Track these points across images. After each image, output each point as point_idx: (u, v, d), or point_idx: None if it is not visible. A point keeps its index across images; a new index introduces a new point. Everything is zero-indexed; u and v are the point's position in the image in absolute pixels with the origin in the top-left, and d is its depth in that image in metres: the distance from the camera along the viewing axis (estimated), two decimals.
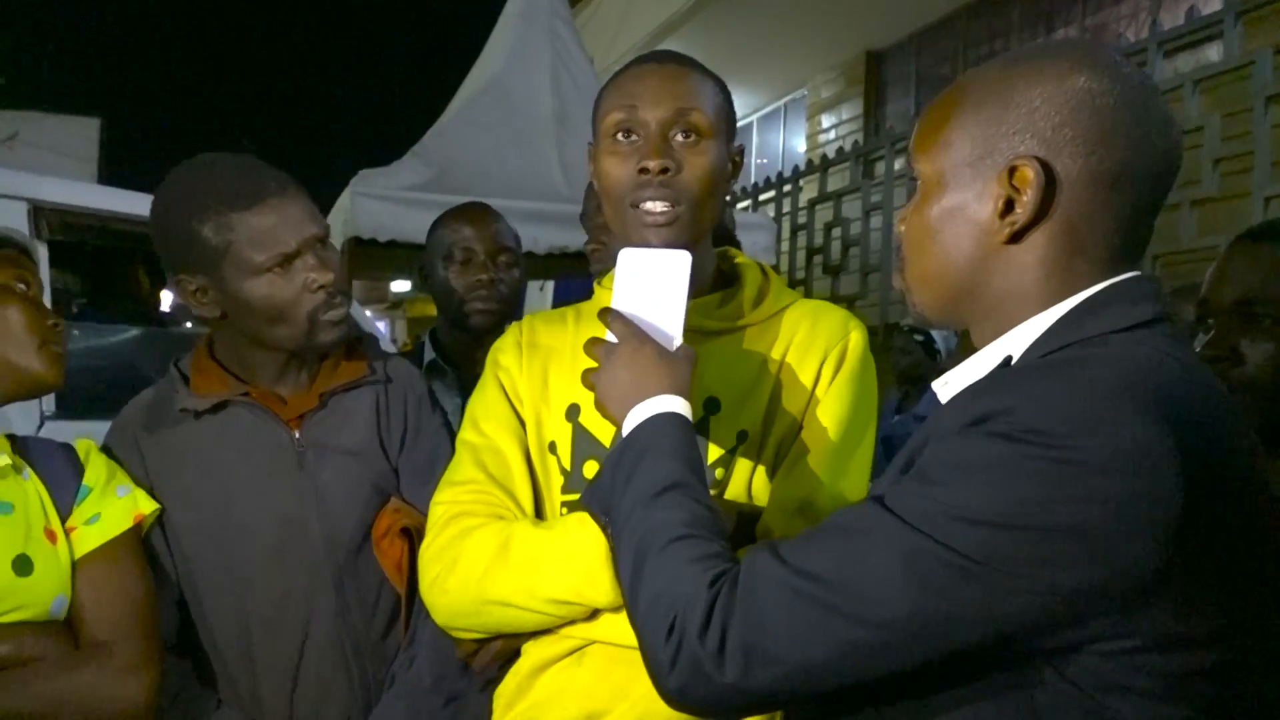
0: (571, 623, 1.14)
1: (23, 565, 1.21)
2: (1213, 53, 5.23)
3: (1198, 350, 1.21)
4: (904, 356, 3.92)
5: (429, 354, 2.14)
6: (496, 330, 2.06)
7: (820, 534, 0.82)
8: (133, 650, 1.24)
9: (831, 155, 7.83)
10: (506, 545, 1.13)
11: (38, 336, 1.29)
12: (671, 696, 0.83)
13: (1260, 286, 1.17)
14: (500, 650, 1.21)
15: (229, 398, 1.41)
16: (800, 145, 10.72)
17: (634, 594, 0.88)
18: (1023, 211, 0.86)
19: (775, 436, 1.19)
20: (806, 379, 1.20)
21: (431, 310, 3.13)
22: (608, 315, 1.10)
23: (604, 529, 0.99)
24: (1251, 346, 1.16)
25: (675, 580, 0.84)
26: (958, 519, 0.74)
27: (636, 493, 0.94)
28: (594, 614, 1.12)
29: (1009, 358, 0.89)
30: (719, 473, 1.17)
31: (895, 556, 0.76)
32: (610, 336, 1.09)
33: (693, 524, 0.89)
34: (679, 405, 1.02)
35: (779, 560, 0.80)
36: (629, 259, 1.13)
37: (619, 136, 1.18)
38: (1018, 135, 0.86)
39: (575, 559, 1.09)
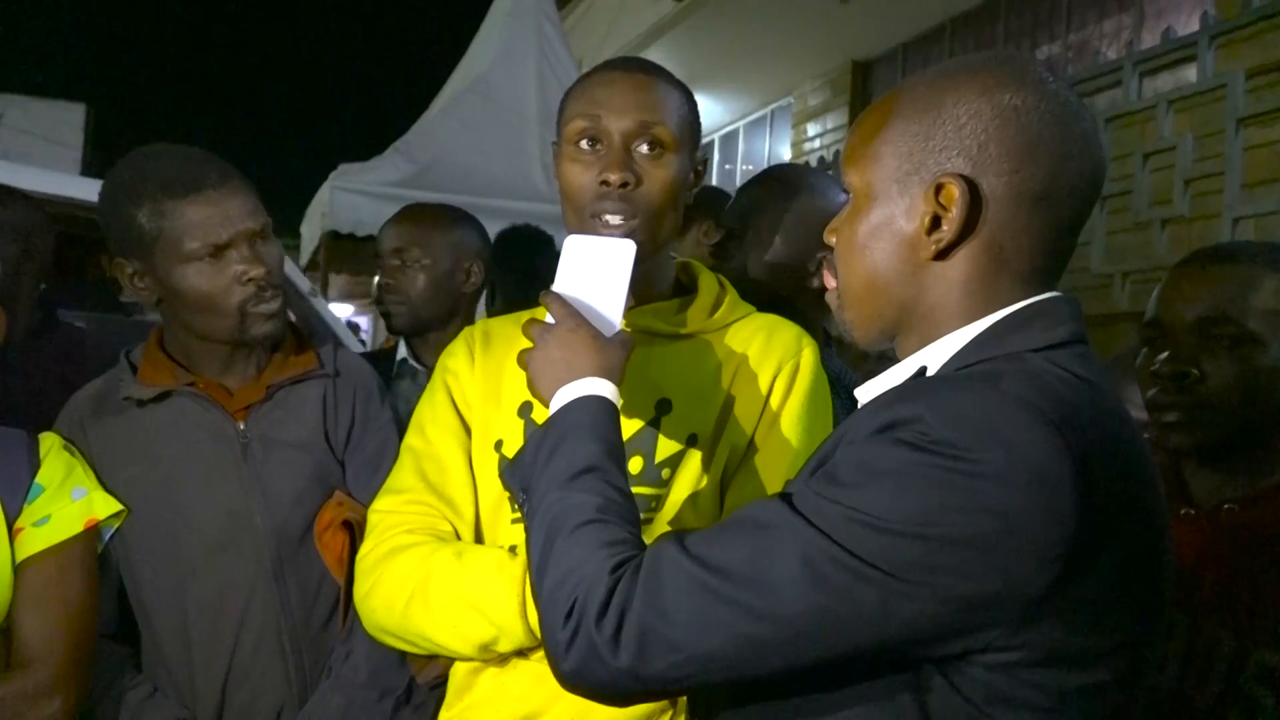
0: None
1: None
2: (1191, 74, 5.30)
3: (1154, 368, 1.23)
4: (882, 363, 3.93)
5: (402, 353, 2.15)
6: (416, 328, 2.11)
7: (726, 528, 0.83)
8: (52, 669, 1.23)
9: (816, 164, 7.87)
10: (425, 583, 1.14)
11: None
12: (566, 679, 0.84)
13: (1221, 306, 1.19)
14: (446, 664, 1.24)
15: (173, 388, 1.42)
16: (786, 153, 10.76)
17: (540, 574, 0.88)
18: (948, 229, 0.86)
19: (726, 442, 1.21)
20: (760, 391, 1.22)
21: None
22: (548, 297, 1.10)
23: (521, 506, 1.00)
24: (1212, 364, 1.19)
25: (580, 563, 0.85)
26: (858, 523, 0.76)
27: (553, 474, 0.94)
28: None
29: (923, 369, 0.90)
30: (665, 472, 1.18)
31: (795, 555, 0.77)
32: (549, 318, 1.09)
33: (605, 509, 0.90)
34: (606, 389, 1.02)
35: (683, 550, 0.81)
36: (575, 245, 1.14)
37: (582, 144, 1.19)
38: (944, 152, 0.87)
39: (490, 606, 1.11)
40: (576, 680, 0.83)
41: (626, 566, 0.83)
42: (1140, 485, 0.82)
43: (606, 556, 0.85)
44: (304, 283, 3.26)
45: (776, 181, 1.78)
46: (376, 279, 2.15)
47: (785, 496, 0.82)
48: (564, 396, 1.01)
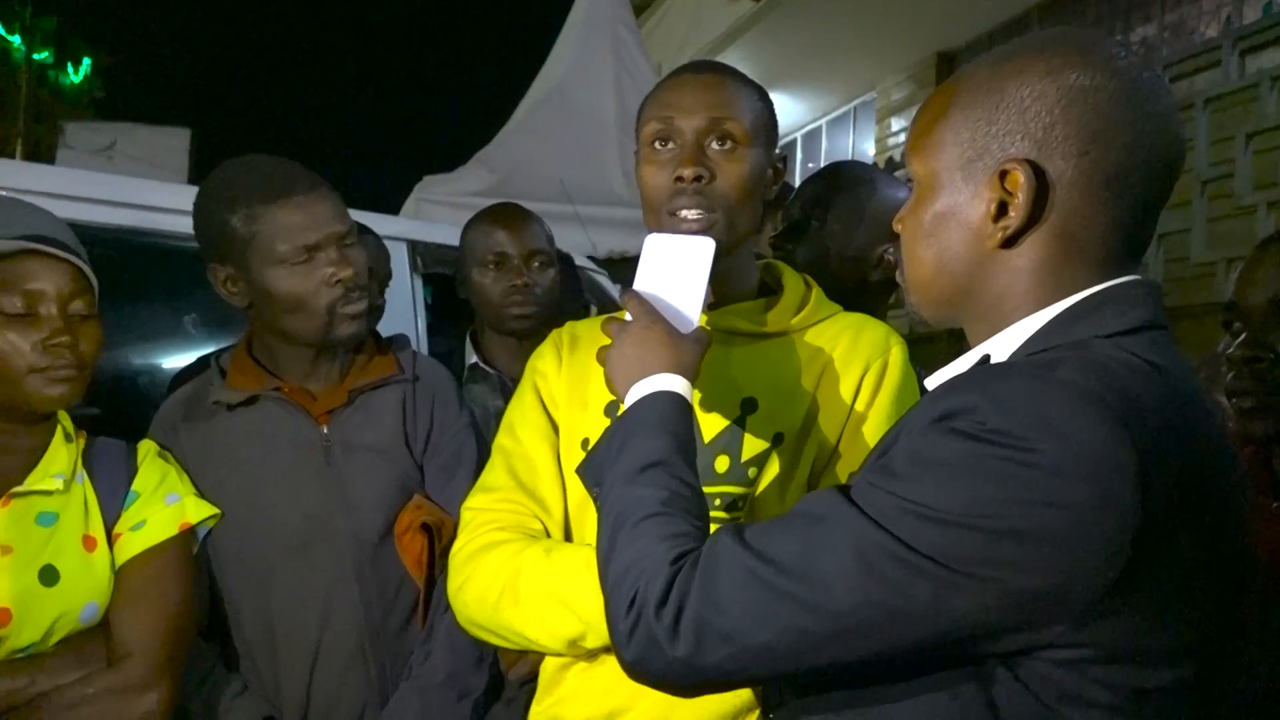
0: None
1: (49, 575, 1.25)
2: None
3: (1230, 352, 1.19)
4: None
5: (470, 356, 2.14)
6: (537, 332, 2.05)
7: (784, 521, 0.83)
8: (148, 665, 1.27)
9: (900, 159, 7.74)
10: (516, 579, 1.17)
11: (23, 364, 1.25)
12: (629, 667, 0.85)
13: None
14: (536, 661, 1.28)
15: (260, 392, 1.47)
16: (870, 148, 10.60)
17: (606, 566, 0.90)
18: (1015, 215, 0.84)
19: (813, 442, 1.20)
20: (846, 391, 1.22)
21: None
22: (627, 294, 1.13)
23: (595, 500, 1.02)
24: None
25: (642, 555, 0.86)
26: (913, 514, 0.74)
27: (622, 467, 0.96)
28: None
29: (987, 357, 0.88)
30: (751, 471, 1.19)
31: (850, 547, 0.76)
32: (628, 316, 1.11)
33: (669, 502, 0.91)
34: (679, 385, 1.03)
35: (741, 542, 0.81)
36: (655, 243, 1.16)
37: (656, 145, 1.21)
38: (1008, 136, 0.84)
39: (578, 602, 1.12)
40: (638, 669, 0.84)
41: (687, 558, 0.84)
42: (1214, 477, 0.78)
43: (668, 549, 0.85)
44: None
45: (841, 175, 1.78)
46: (487, 281, 2.05)
47: (843, 489, 0.81)
48: (637, 392, 1.03)
